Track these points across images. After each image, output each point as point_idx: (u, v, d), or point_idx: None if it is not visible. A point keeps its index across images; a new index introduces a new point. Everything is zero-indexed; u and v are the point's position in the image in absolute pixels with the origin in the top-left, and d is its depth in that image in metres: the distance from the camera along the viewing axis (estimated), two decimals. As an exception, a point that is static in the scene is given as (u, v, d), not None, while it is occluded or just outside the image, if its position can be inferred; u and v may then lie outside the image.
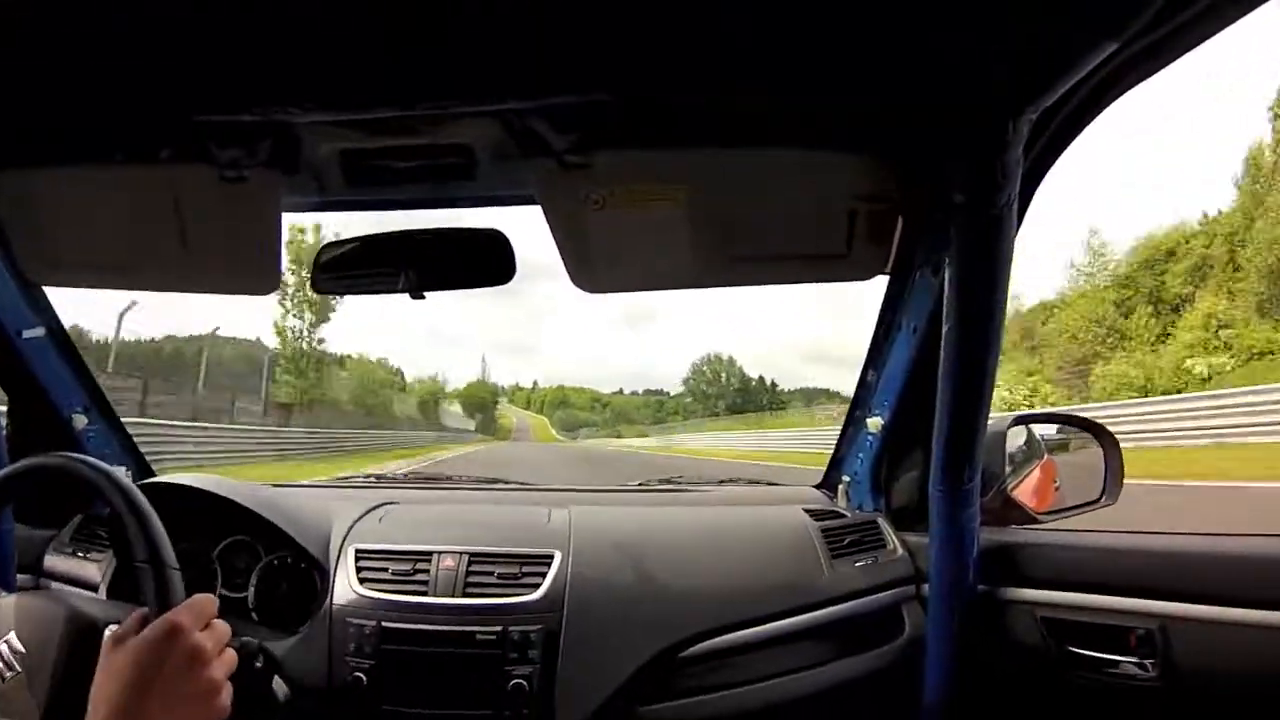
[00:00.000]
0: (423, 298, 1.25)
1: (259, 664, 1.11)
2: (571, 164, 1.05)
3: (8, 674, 0.92)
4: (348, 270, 1.26)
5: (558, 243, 1.17)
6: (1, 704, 0.92)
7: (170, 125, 1.03)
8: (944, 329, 1.13)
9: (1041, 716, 1.34)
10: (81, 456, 0.96)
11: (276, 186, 1.12)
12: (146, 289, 1.36)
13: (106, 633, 0.89)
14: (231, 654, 0.87)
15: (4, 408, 1.56)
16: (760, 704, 1.31)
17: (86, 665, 0.82)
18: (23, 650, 0.93)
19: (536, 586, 1.28)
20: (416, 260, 1.23)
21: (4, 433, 1.45)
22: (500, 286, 1.24)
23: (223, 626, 0.87)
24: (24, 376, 1.52)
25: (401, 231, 1.22)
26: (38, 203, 1.19)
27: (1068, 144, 1.18)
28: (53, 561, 1.49)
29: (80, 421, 1.62)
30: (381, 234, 1.23)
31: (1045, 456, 1.59)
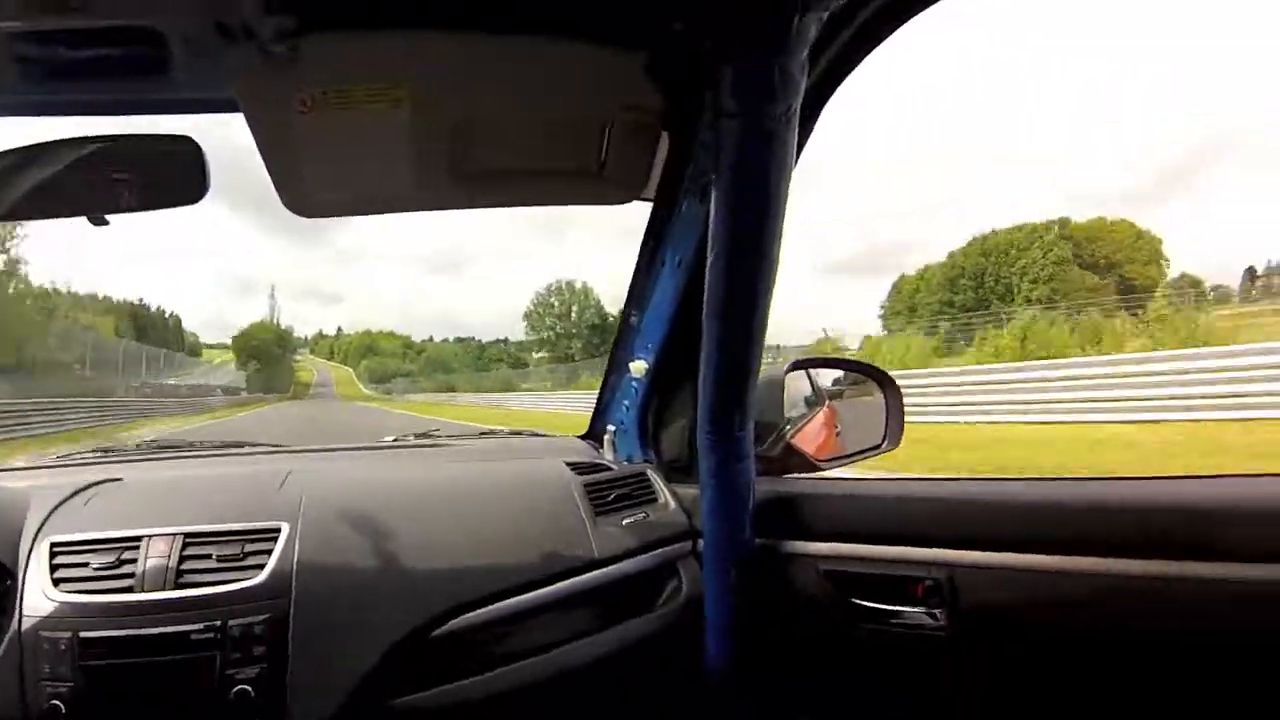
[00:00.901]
0: (105, 223, 1.12)
1: None
2: (276, 55, 0.98)
3: None
4: (11, 189, 1.11)
5: (263, 156, 1.10)
6: None
7: None
8: (709, 259, 1.12)
9: (828, 670, 1.41)
10: None
11: None
12: None
13: None
14: None
15: None
16: (531, 680, 1.29)
17: None
18: None
19: (260, 568, 1.17)
20: (95, 176, 1.10)
21: None
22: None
23: None
24: None
25: (74, 138, 1.09)
26: None
27: (863, 56, 1.19)
28: None
29: None
30: (49, 142, 1.09)
31: (826, 403, 1.68)
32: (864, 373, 1.68)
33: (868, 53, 1.19)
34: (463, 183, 1.20)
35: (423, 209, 1.27)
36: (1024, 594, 1.14)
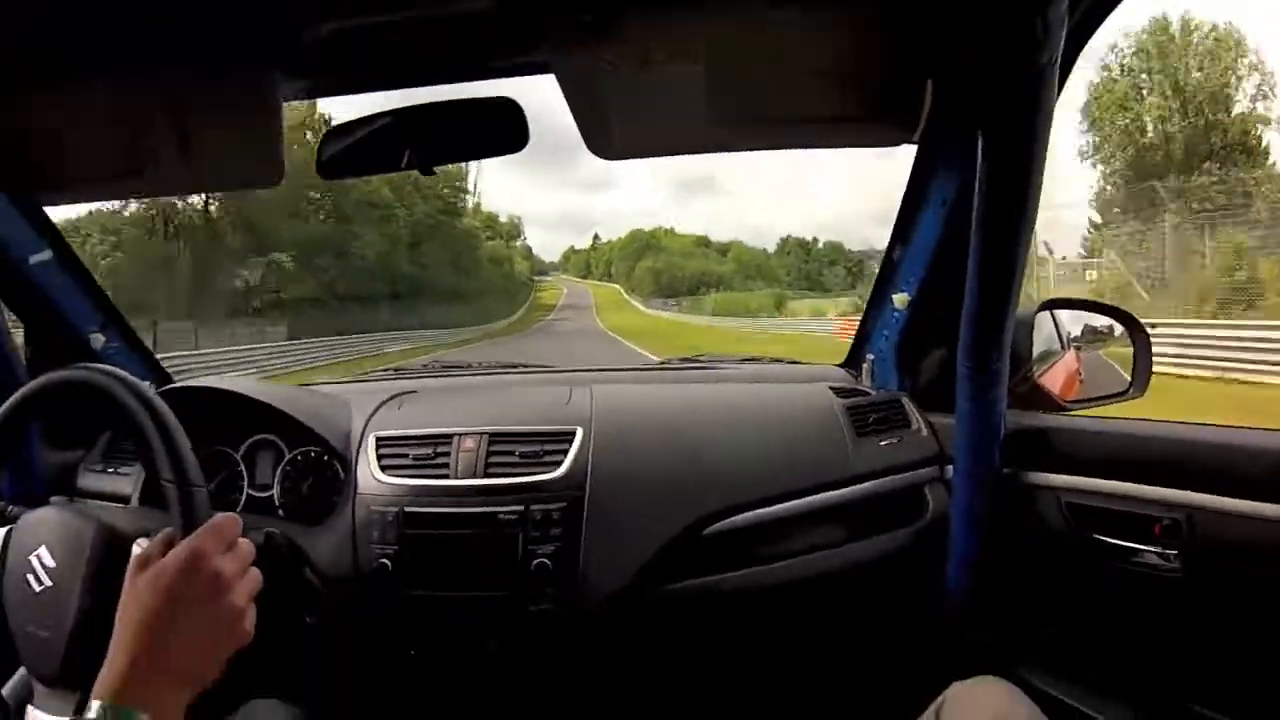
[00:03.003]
0: (433, 172, 1.79)
1: (286, 555, 1.78)
2: (585, 25, 1.39)
3: (38, 587, 1.33)
4: (355, 152, 1.77)
5: (573, 109, 1.55)
6: (35, 615, 1.32)
7: (159, 17, 1.41)
8: (975, 200, 1.54)
9: (1063, 602, 1.98)
10: (99, 365, 1.36)
11: (273, 75, 1.56)
12: (150, 195, 1.99)
13: (134, 549, 1.25)
14: (255, 576, 1.22)
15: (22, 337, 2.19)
16: (783, 580, 1.98)
17: (116, 577, 1.18)
18: (53, 564, 1.35)
19: (558, 464, 1.90)
20: (424, 134, 1.71)
21: (24, 362, 2.11)
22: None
23: (246, 547, 1.23)
24: (38, 303, 2.24)
25: (409, 107, 1.71)
26: (28, 121, 1.62)
27: (1119, 1, 1.64)
28: (85, 481, 2.23)
29: (98, 341, 2.39)
30: (386, 111, 1.71)
31: (1070, 349, 2.27)
32: (1113, 316, 2.24)
33: None
34: (751, 127, 1.65)
35: (712, 151, 1.77)
36: (1263, 543, 1.52)
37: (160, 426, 1.28)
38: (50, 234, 2.21)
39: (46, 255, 2.21)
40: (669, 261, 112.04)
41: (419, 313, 52.30)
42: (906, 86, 1.51)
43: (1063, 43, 1.32)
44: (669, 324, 68.16)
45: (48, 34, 1.44)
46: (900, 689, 1.74)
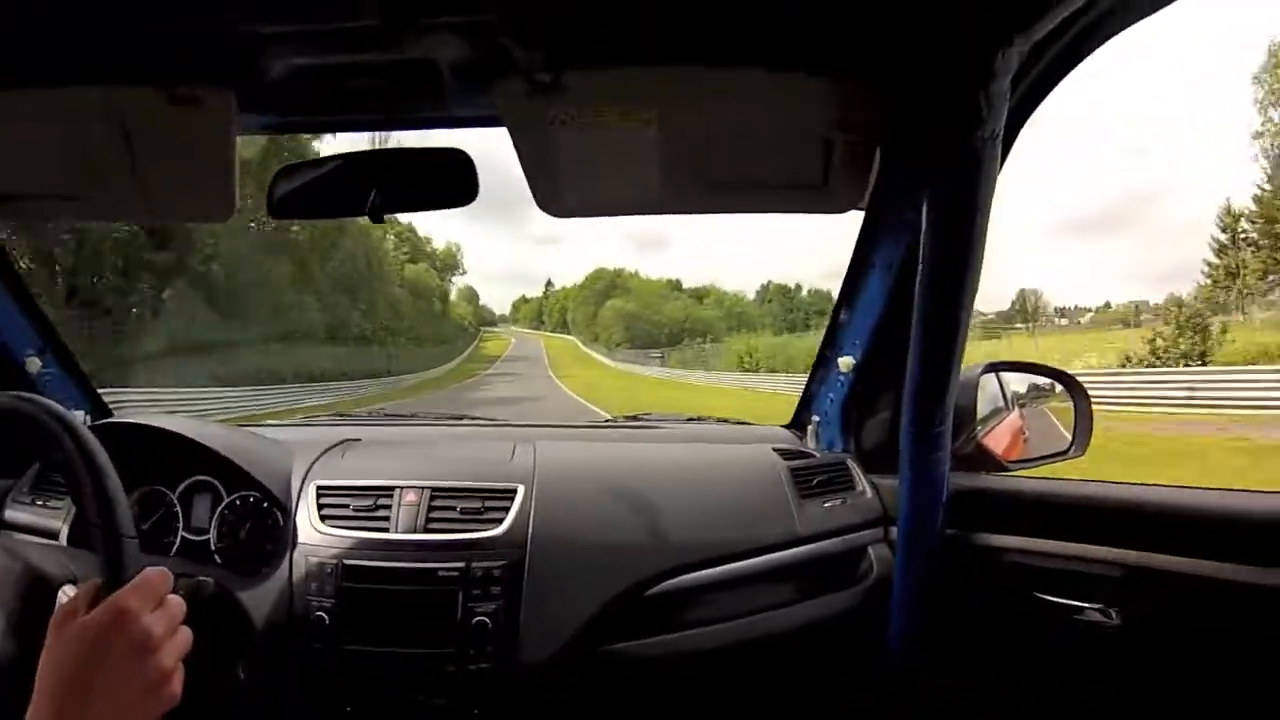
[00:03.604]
0: (383, 221, 1.82)
1: (219, 606, 1.78)
2: (539, 82, 1.51)
3: None
4: (306, 194, 1.83)
5: (524, 165, 1.68)
6: None
7: (117, 38, 1.48)
8: (919, 267, 1.66)
9: (1006, 660, 2.09)
10: (31, 396, 1.33)
11: (230, 107, 1.61)
12: (94, 219, 1.94)
13: (60, 596, 1.32)
14: (185, 635, 1.23)
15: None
16: (726, 643, 2.05)
17: (40, 623, 1.18)
18: None
19: (499, 521, 2.00)
20: (377, 182, 1.74)
21: None
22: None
23: (176, 604, 1.23)
24: None
25: (361, 152, 1.78)
26: None
27: (1061, 78, 1.77)
28: (13, 514, 2.22)
29: (34, 365, 2.43)
30: (340, 155, 1.78)
31: (1014, 408, 2.41)
32: (1055, 377, 2.38)
33: (1064, 76, 1.76)
34: (701, 191, 1.76)
35: (662, 213, 1.89)
36: (1204, 600, 1.68)
37: (92, 468, 1.27)
38: None
39: None
40: (644, 303, 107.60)
41: (241, 356, 37.29)
42: (854, 154, 1.66)
43: (1004, 118, 1.44)
44: (678, 387, 52.94)
45: None
46: None
